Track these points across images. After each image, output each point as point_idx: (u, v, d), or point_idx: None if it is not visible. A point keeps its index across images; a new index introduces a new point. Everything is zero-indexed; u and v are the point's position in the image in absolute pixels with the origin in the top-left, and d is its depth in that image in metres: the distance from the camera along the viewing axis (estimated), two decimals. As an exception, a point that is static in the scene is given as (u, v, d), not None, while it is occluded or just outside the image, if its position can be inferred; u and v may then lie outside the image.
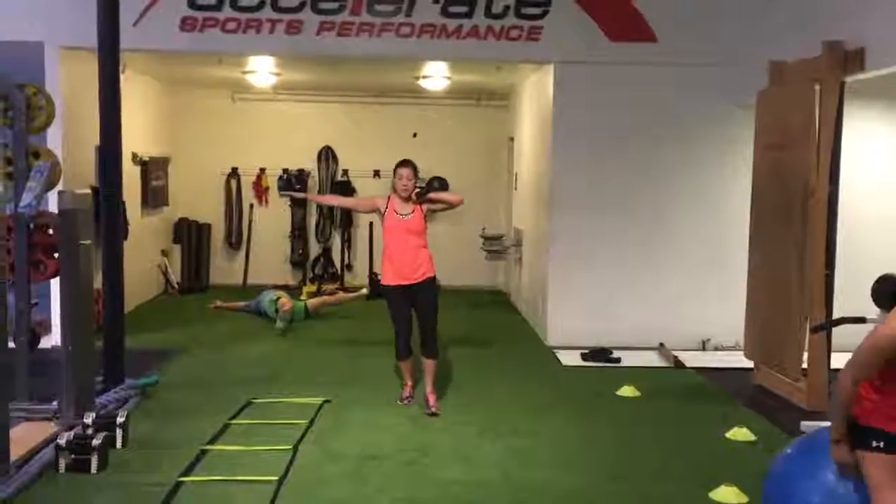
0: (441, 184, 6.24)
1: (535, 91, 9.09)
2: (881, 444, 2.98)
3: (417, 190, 5.86)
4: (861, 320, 5.50)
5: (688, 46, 7.79)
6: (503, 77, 9.62)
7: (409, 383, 6.00)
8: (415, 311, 5.88)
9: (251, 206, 11.46)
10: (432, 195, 6.01)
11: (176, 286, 10.75)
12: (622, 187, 8.05)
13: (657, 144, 8.01)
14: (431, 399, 5.80)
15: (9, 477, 4.26)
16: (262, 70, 9.57)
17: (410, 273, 5.77)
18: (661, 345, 7.87)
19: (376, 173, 11.36)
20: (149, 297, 10.09)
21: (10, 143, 5.30)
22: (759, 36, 7.36)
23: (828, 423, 3.25)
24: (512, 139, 10.75)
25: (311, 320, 8.98)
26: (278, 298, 8.93)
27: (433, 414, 5.67)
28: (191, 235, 11.16)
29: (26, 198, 5.13)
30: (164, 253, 10.82)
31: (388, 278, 5.87)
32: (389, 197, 5.91)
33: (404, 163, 5.90)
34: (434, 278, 5.90)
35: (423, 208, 5.86)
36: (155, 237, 10.43)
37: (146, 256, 10.00)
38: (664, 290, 8.07)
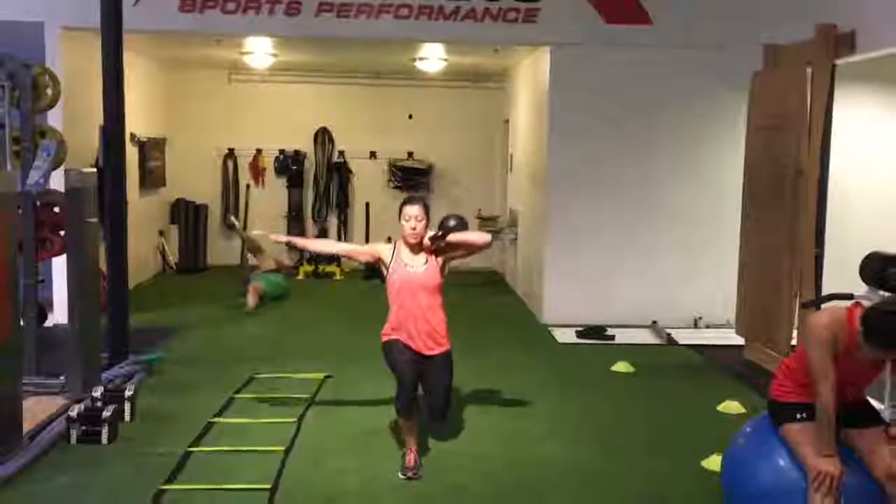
0: (458, 222, 4.64)
1: (531, 73, 9.18)
2: (804, 416, 3.39)
3: (431, 234, 4.59)
4: (849, 297, 5.64)
5: (682, 29, 7.89)
6: (499, 59, 9.70)
7: (414, 447, 4.48)
8: (422, 384, 4.60)
9: (248, 186, 11.54)
10: (452, 238, 4.59)
11: (174, 266, 10.84)
12: (617, 168, 8.17)
13: (652, 126, 8.13)
14: (411, 458, 4.41)
15: (22, 448, 4.38)
16: (259, 51, 9.63)
17: (423, 343, 4.55)
18: (655, 322, 8.02)
19: (372, 154, 11.48)
20: (147, 276, 10.18)
21: (18, 123, 5.36)
22: (752, 19, 7.45)
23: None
24: (507, 121, 10.84)
25: (312, 300, 9.10)
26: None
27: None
28: (188, 216, 11.24)
29: (33, 176, 5.21)
30: (162, 233, 10.90)
31: (394, 335, 4.58)
32: (395, 244, 4.64)
33: (412, 199, 4.63)
34: (450, 352, 4.66)
35: (440, 257, 4.62)
36: (153, 218, 10.50)
37: (144, 237, 10.07)
38: (658, 268, 8.21)
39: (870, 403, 3.61)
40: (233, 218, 10.63)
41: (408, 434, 4.49)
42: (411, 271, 4.54)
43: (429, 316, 4.54)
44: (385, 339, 4.61)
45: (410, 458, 4.40)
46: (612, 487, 4.27)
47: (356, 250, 5.07)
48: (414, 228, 4.51)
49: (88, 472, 4.26)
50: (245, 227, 11.41)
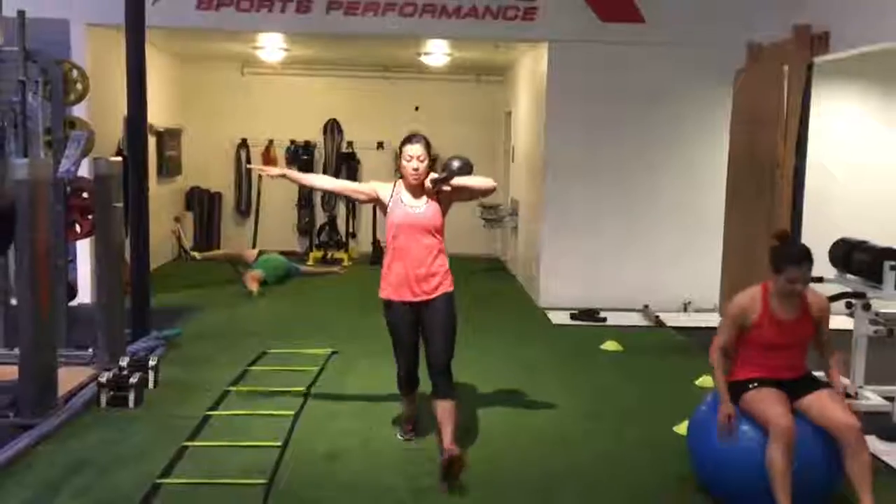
0: (462, 163, 4.31)
1: (531, 68, 9.59)
2: (755, 384, 3.86)
3: (434, 175, 4.35)
4: (819, 279, 6.06)
5: (674, 27, 8.28)
6: (501, 54, 10.11)
7: (409, 427, 4.73)
8: (421, 335, 4.42)
9: (260, 175, 12.00)
10: (455, 181, 4.32)
11: (189, 251, 11.32)
12: (611, 160, 8.58)
13: (644, 120, 8.53)
14: (452, 447, 4.11)
15: (58, 409, 4.85)
16: (271, 46, 10.07)
17: (421, 285, 4.32)
18: (646, 306, 8.44)
19: (380, 145, 11.92)
20: (164, 261, 10.66)
21: (49, 114, 5.81)
22: (739, 18, 7.84)
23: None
24: (509, 113, 11.25)
25: (320, 282, 9.57)
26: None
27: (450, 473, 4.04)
28: (202, 203, 11.72)
29: (65, 164, 5.66)
30: (178, 220, 11.37)
31: (389, 291, 4.39)
32: (395, 183, 4.43)
33: (413, 138, 4.35)
34: (452, 295, 4.42)
35: (441, 199, 4.39)
36: (169, 205, 10.97)
37: (161, 223, 10.53)
38: (650, 255, 8.63)
39: (811, 374, 4.03)
40: (194, 254, 10.55)
41: (408, 408, 4.67)
42: (411, 212, 4.31)
43: (428, 258, 4.31)
44: (383, 295, 4.41)
45: (408, 427, 4.73)
46: (589, 447, 4.71)
47: (353, 188, 4.80)
48: (416, 169, 4.25)
49: (118, 431, 4.73)
50: (256, 215, 11.90)
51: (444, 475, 4.02)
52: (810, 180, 6.72)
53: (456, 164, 4.30)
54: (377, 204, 4.51)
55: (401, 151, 4.30)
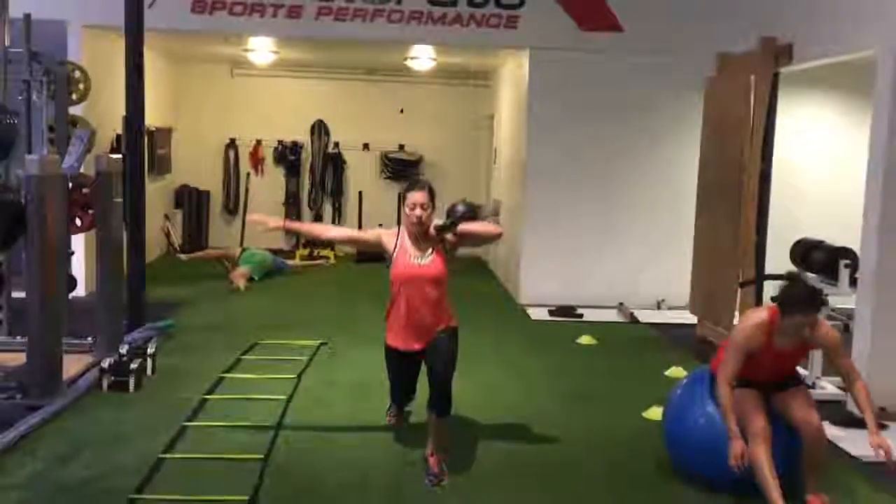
0: (467, 208, 4.34)
1: (513, 74, 9.94)
2: (735, 385, 3.92)
3: (438, 222, 4.24)
4: (780, 277, 6.44)
5: (651, 37, 8.66)
6: (485, 59, 10.46)
7: (395, 409, 4.94)
8: (424, 361, 4.39)
9: (248, 174, 12.27)
10: (462, 229, 4.24)
11: (178, 248, 11.57)
12: (590, 163, 8.95)
13: (621, 125, 8.91)
14: (432, 461, 4.18)
15: (62, 392, 5.13)
16: (261, 49, 10.36)
17: (424, 335, 4.30)
18: (621, 304, 8.81)
19: (365, 146, 12.25)
20: (154, 257, 10.89)
21: (53, 114, 6.08)
22: (711, 29, 8.22)
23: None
24: (492, 117, 11.60)
25: (308, 278, 9.87)
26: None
27: (436, 481, 4.11)
28: (191, 201, 11.97)
29: (68, 160, 5.93)
30: (167, 217, 11.62)
31: (397, 340, 4.37)
32: (399, 232, 4.29)
33: (417, 185, 4.21)
34: (455, 330, 4.40)
35: (446, 247, 4.30)
36: (159, 202, 11.22)
37: (151, 220, 10.73)
38: (626, 255, 9.00)
39: (796, 372, 4.25)
40: (180, 255, 10.81)
41: (394, 415, 4.89)
42: (416, 263, 4.21)
43: (434, 309, 4.27)
44: (390, 343, 4.42)
45: (391, 418, 4.87)
46: (561, 428, 5.04)
47: (357, 236, 4.78)
48: (419, 217, 4.12)
49: (121, 412, 5.02)
50: (244, 213, 12.16)
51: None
52: (778, 184, 7.13)
53: (461, 208, 4.26)
54: (382, 252, 4.36)
55: (404, 198, 4.16)
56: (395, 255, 4.24)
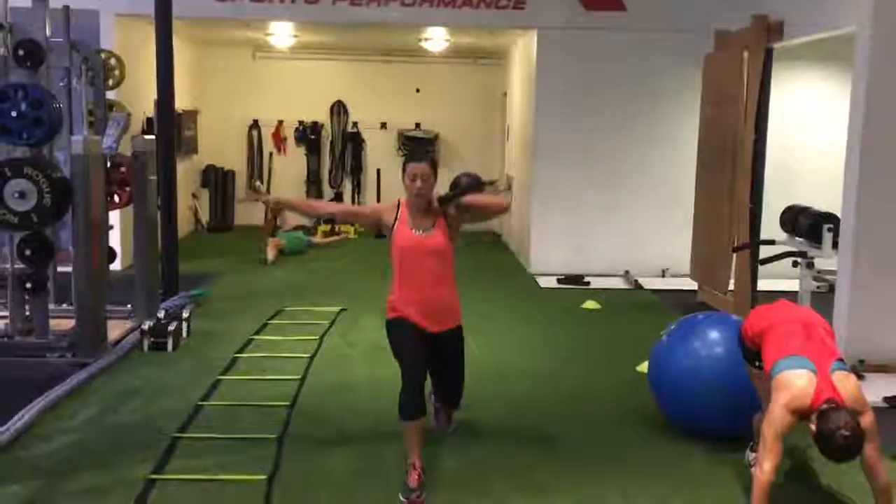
0: (470, 179, 4.20)
1: (523, 52, 10.33)
2: (758, 365, 3.76)
3: (441, 194, 4.09)
4: (771, 242, 6.86)
5: (652, 15, 9.02)
6: (496, 39, 10.84)
7: (418, 463, 3.86)
8: (430, 369, 4.16)
9: (270, 154, 12.78)
10: (465, 199, 4.08)
11: (205, 225, 12.13)
12: (596, 138, 9.35)
13: (626, 100, 9.29)
14: (414, 476, 3.81)
15: (108, 351, 5.67)
16: (282, 33, 10.81)
17: (433, 318, 4.06)
18: (627, 272, 9.23)
19: (383, 125, 12.69)
20: (183, 233, 11.43)
21: (91, 98, 6.58)
22: (710, 7, 8.55)
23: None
24: (505, 94, 12.00)
25: (328, 253, 10.42)
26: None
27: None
28: (217, 180, 12.50)
29: (107, 141, 6.43)
30: (195, 196, 12.17)
31: (400, 310, 4.10)
32: (399, 204, 4.09)
33: (417, 156, 4.08)
34: (461, 329, 4.24)
35: (449, 220, 4.07)
36: (186, 182, 11.74)
37: (179, 198, 11.25)
38: (631, 226, 9.41)
39: None
40: (258, 183, 11.84)
41: (411, 441, 3.92)
42: (417, 234, 3.98)
43: (437, 286, 4.03)
44: (390, 314, 4.12)
45: (414, 476, 3.79)
46: (561, 382, 5.52)
47: (356, 211, 4.88)
48: (420, 189, 3.92)
49: (162, 368, 5.56)
50: (268, 191, 12.68)
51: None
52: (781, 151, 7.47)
53: (465, 180, 4.15)
54: (381, 227, 4.14)
55: (405, 169, 3.98)
56: (394, 226, 4.02)
